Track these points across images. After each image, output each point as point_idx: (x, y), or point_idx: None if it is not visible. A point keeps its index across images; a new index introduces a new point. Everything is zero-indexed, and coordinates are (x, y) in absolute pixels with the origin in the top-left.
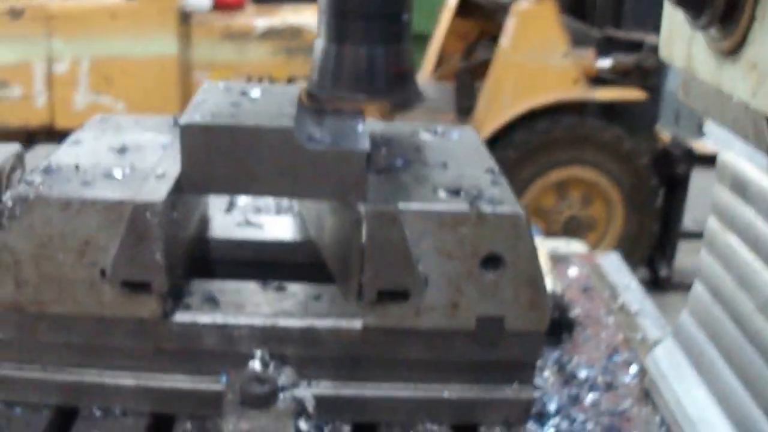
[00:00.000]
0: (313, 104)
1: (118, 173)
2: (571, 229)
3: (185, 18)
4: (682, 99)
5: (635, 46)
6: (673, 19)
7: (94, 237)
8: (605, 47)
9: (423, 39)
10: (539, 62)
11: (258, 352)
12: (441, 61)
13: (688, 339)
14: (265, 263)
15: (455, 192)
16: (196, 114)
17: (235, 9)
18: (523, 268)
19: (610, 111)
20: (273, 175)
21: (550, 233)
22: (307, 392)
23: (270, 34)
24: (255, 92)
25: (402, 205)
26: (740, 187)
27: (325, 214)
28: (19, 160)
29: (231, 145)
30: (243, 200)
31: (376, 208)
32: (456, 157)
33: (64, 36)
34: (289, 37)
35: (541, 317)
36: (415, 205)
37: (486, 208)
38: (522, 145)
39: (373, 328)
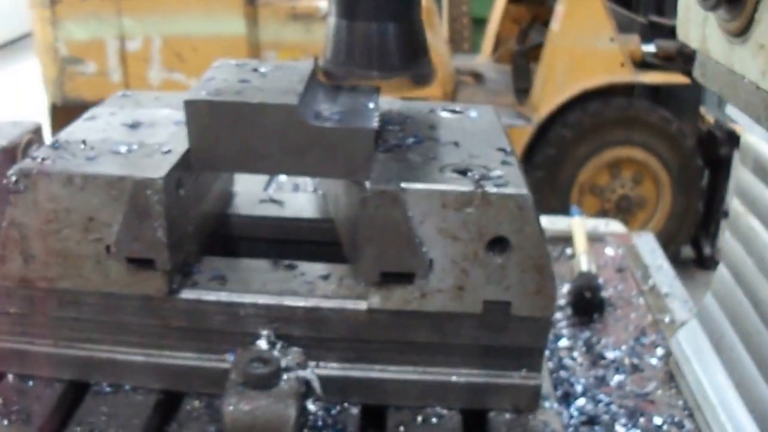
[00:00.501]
0: (330, 81)
1: (124, 149)
2: (623, 207)
3: (251, 0)
4: (699, 80)
5: (677, 33)
6: (688, 1)
7: (98, 213)
8: (649, 33)
9: (481, 23)
10: (588, 46)
11: (264, 332)
12: (498, 44)
13: (710, 322)
14: (284, 241)
15: (462, 172)
16: (201, 90)
17: None
18: (529, 252)
19: (657, 94)
20: (278, 152)
21: (604, 211)
22: (312, 373)
23: None
24: (266, 68)
25: (405, 185)
26: (762, 170)
27: (340, 192)
28: (37, 135)
29: (235, 121)
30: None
31: (377, 187)
32: (470, 136)
33: (135, 14)
34: None
35: (548, 303)
36: (418, 185)
37: (491, 188)
38: (576, 125)
39: (378, 311)
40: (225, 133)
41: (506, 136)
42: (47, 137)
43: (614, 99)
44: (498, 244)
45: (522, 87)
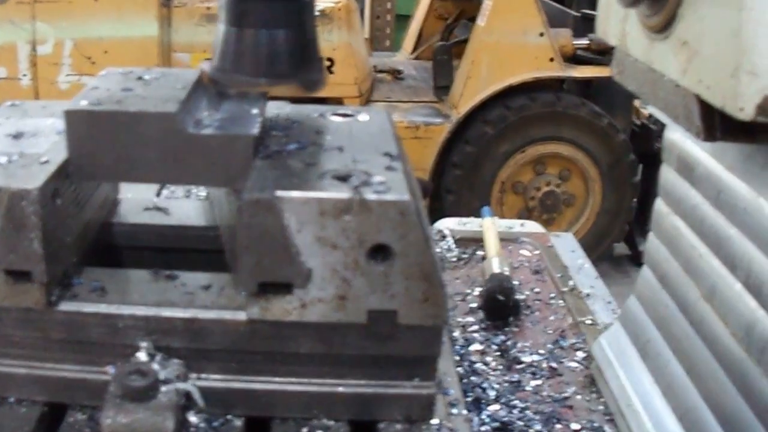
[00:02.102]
0: (217, 88)
1: (3, 159)
2: (549, 205)
3: (166, 1)
4: (616, 78)
5: None
6: None
7: None
8: (582, 27)
9: (405, 19)
10: (516, 41)
11: (143, 344)
12: (421, 41)
13: (634, 325)
14: (169, 250)
15: (343, 178)
16: (82, 99)
17: None
18: (414, 259)
19: (588, 88)
20: (157, 161)
21: (527, 210)
22: (193, 385)
23: None
24: (151, 76)
25: (280, 193)
26: (686, 169)
27: (222, 199)
28: None
29: (114, 131)
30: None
31: (251, 196)
32: (356, 141)
33: (48, 19)
34: None
35: (438, 311)
36: (294, 193)
37: (371, 195)
38: (498, 122)
39: (258, 321)
40: (104, 143)
41: (395, 140)
42: None
43: (541, 94)
44: (380, 251)
45: (442, 84)
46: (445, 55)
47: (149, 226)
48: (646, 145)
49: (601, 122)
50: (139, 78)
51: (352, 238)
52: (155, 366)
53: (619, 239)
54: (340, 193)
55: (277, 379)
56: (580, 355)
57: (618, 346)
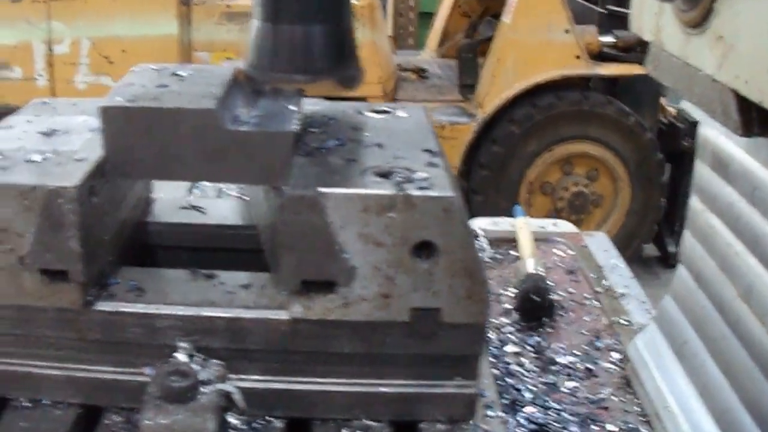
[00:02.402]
0: (252, 85)
1: (38, 157)
2: (577, 205)
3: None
4: (651, 73)
5: None
6: None
7: (10, 223)
8: (608, 24)
9: (428, 17)
10: (541, 39)
11: (182, 344)
12: (445, 38)
13: (670, 326)
14: (205, 249)
15: (385, 175)
16: (117, 96)
17: None
18: (458, 256)
19: (614, 86)
20: (195, 158)
21: (556, 210)
22: (233, 386)
23: None
24: (185, 73)
25: (323, 189)
26: (721, 166)
27: (261, 198)
28: None
29: (151, 127)
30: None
31: (294, 192)
32: (395, 138)
33: (64, 18)
34: None
35: (481, 309)
36: (337, 189)
37: (414, 191)
38: (524, 121)
39: (301, 321)
40: (141, 140)
41: (434, 136)
42: None
43: (567, 92)
44: (424, 248)
45: (467, 82)
46: (470, 53)
47: (185, 225)
48: (674, 144)
49: (627, 120)
50: (174, 74)
51: (396, 235)
52: (195, 366)
53: (648, 240)
54: (384, 189)
55: (317, 379)
56: (616, 356)
57: (654, 347)
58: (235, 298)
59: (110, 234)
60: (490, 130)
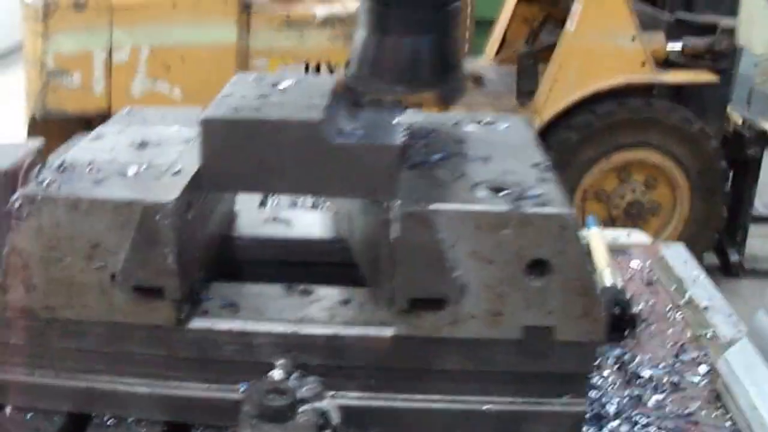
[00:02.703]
0: (350, 96)
1: (132, 170)
2: (633, 213)
3: (245, 7)
4: (760, 86)
5: (707, 29)
6: (752, 5)
7: (103, 239)
8: (676, 31)
9: (488, 24)
10: (606, 46)
11: (279, 362)
12: (504, 45)
13: (764, 340)
14: (293, 263)
15: (496, 190)
16: (218, 108)
17: None
18: (572, 274)
19: (680, 93)
20: (297, 171)
21: (611, 218)
22: (331, 404)
23: (329, 21)
24: (285, 83)
25: (435, 205)
26: None
27: (356, 211)
28: (40, 156)
29: (253, 140)
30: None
31: (406, 209)
32: (501, 151)
33: (125, 26)
34: (348, 24)
35: (595, 327)
36: (450, 205)
37: (530, 208)
38: (583, 127)
39: (405, 338)
40: (241, 152)
41: (540, 149)
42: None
43: (629, 99)
44: (538, 266)
45: (526, 89)
46: (530, 60)
47: (272, 239)
48: (739, 152)
49: (692, 128)
50: (274, 85)
51: (509, 252)
52: (292, 384)
53: (708, 249)
54: (497, 206)
55: (419, 396)
56: (703, 369)
57: (746, 362)
58: (335, 314)
59: (201, 249)
60: (545, 137)
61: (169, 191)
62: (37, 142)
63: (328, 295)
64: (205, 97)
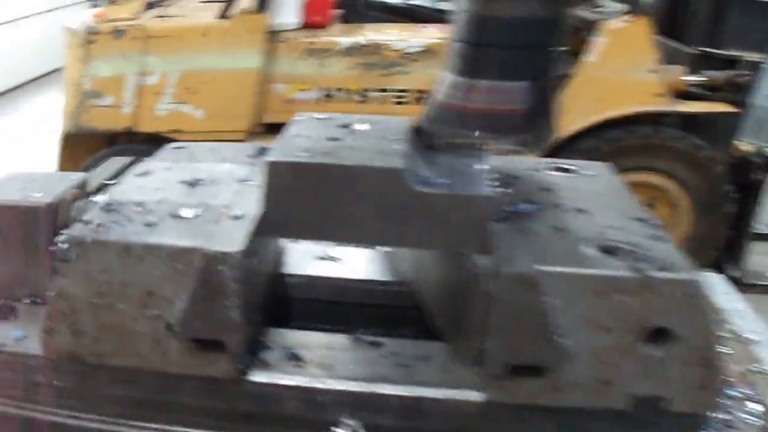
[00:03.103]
0: (425, 141)
1: (187, 213)
2: None
3: (272, 36)
4: None
5: (728, 63)
6: None
7: (158, 287)
8: (699, 64)
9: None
10: (623, 77)
11: (348, 422)
12: None
13: None
14: (347, 304)
15: (607, 250)
16: (286, 150)
17: (322, 27)
18: (696, 344)
19: (693, 122)
20: (375, 220)
21: None
22: None
23: (351, 50)
24: (357, 126)
25: (544, 268)
26: None
27: (427, 256)
28: (82, 189)
29: (326, 186)
30: None
31: (509, 270)
32: (594, 201)
33: (159, 52)
34: (368, 53)
35: (711, 398)
36: (560, 268)
37: (654, 273)
38: (590, 151)
39: (497, 404)
40: (310, 198)
41: (635, 200)
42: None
43: (638, 127)
44: (658, 335)
45: None
46: None
47: (324, 278)
48: (744, 176)
49: (699, 153)
50: (344, 126)
51: (628, 320)
52: None
53: (707, 266)
54: (616, 270)
55: None
56: (753, 406)
57: None
58: (412, 372)
59: (260, 294)
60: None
61: (234, 239)
62: (80, 174)
63: (401, 349)
64: (226, 117)
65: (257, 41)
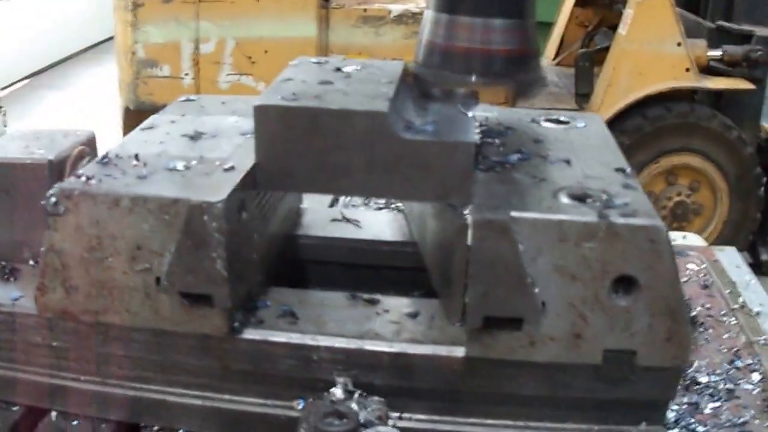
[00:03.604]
0: (419, 85)
1: (181, 165)
2: (679, 214)
3: (324, 2)
4: None
5: (744, 38)
6: None
7: (147, 240)
8: (716, 39)
9: (546, 26)
10: (655, 51)
11: (340, 380)
12: (562, 47)
13: None
14: (360, 266)
15: (580, 198)
16: (275, 94)
17: None
18: (661, 293)
19: (718, 100)
20: (362, 170)
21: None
22: (394, 429)
23: (403, 18)
24: (350, 68)
25: (516, 213)
26: None
27: (428, 214)
28: (90, 146)
29: (312, 131)
30: None
31: (483, 216)
32: (581, 153)
33: (211, 17)
34: (421, 21)
35: (680, 352)
36: (531, 214)
37: (618, 219)
38: (635, 132)
39: (478, 359)
40: (299, 146)
41: (620, 152)
42: (115, 142)
43: (676, 104)
44: (624, 283)
45: (583, 91)
46: (586, 62)
47: (339, 239)
48: None
49: (730, 135)
50: (338, 69)
51: (595, 268)
52: (354, 406)
53: (744, 248)
54: (583, 216)
55: (489, 421)
56: (756, 377)
57: None
58: (402, 329)
59: (259, 252)
60: None
61: (219, 190)
62: (88, 131)
63: (395, 306)
64: None
65: (311, 7)
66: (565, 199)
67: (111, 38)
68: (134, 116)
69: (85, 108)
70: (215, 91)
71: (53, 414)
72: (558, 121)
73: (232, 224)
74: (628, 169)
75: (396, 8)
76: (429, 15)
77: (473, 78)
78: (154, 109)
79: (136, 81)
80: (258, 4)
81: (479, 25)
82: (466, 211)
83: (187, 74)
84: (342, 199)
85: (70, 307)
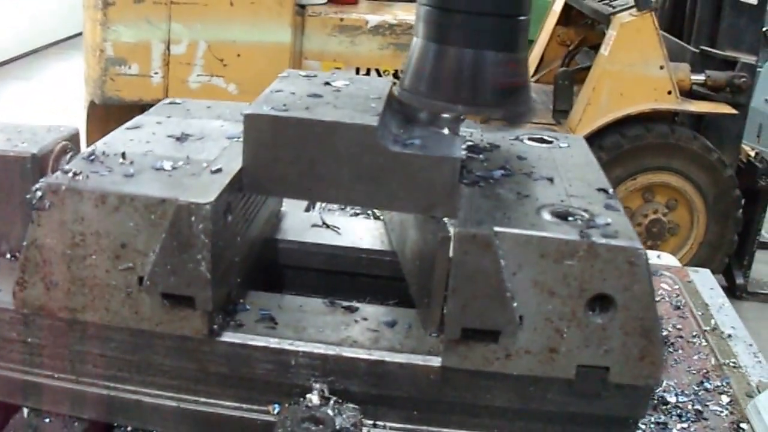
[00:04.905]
0: (404, 110)
1: (168, 165)
2: (654, 232)
3: (300, 10)
4: None
5: (728, 64)
6: None
7: (132, 239)
8: (699, 63)
9: (527, 44)
10: (637, 72)
11: (316, 386)
12: (542, 65)
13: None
14: (338, 273)
15: (562, 216)
16: (265, 103)
17: (349, 4)
18: (637, 313)
19: (699, 123)
20: (348, 179)
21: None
22: None
23: (380, 28)
24: (339, 83)
25: (499, 228)
26: None
27: (409, 224)
28: (74, 142)
29: (302, 141)
30: None
31: (467, 230)
32: (564, 171)
33: (183, 20)
34: (399, 33)
35: (653, 371)
36: (514, 230)
37: (599, 239)
38: (613, 149)
39: (454, 370)
40: (288, 154)
41: (603, 172)
42: (82, 137)
43: (655, 125)
44: (600, 302)
45: (561, 108)
46: (566, 80)
47: (318, 245)
48: (750, 182)
49: (711, 156)
50: (327, 83)
51: (573, 285)
52: (330, 412)
53: (719, 271)
54: (565, 233)
55: (463, 431)
56: (725, 399)
57: None
58: (380, 337)
59: (241, 255)
60: None
61: (207, 191)
62: (72, 127)
63: (373, 314)
64: (258, 94)
65: (286, 14)
66: (547, 217)
67: (80, 34)
68: (100, 110)
69: (51, 99)
70: (184, 91)
71: (25, 410)
72: (542, 140)
73: (218, 226)
74: (611, 190)
75: (373, 19)
76: (417, 42)
77: (460, 107)
78: (121, 104)
79: (103, 77)
80: (231, 8)
81: (468, 55)
82: (449, 224)
83: (156, 73)
84: (318, 203)
85: (49, 303)
